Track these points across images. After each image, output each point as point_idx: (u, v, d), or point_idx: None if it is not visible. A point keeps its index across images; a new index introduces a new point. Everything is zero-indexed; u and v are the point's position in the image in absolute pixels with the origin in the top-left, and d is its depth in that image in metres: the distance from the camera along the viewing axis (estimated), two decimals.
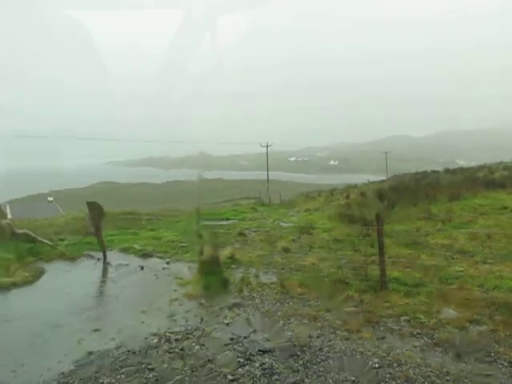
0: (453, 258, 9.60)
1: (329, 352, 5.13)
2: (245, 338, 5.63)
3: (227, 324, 6.11)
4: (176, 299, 7.21)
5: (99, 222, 10.31)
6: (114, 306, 7.04)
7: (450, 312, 6.08)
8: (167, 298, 7.28)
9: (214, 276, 8.12)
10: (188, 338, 5.65)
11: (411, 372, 4.59)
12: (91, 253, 10.64)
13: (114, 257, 10.33)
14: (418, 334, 5.53)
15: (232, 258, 9.69)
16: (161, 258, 10.37)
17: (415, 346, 5.20)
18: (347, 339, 5.47)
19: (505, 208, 16.03)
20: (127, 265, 9.64)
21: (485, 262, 9.04)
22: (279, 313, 6.44)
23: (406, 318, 6.03)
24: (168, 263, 9.84)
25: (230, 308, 6.74)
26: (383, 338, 5.49)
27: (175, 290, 7.72)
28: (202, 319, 6.33)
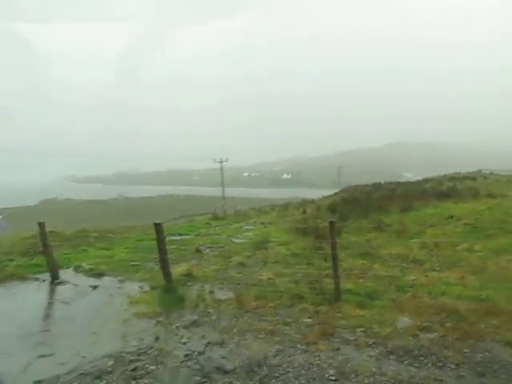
0: (407, 268, 9.88)
1: (288, 367, 5.12)
2: (201, 355, 5.55)
3: (184, 343, 6.00)
4: (130, 319, 7.00)
5: (47, 240, 9.99)
6: (65, 329, 6.74)
7: (405, 320, 6.22)
8: (121, 317, 7.07)
9: (169, 294, 8.00)
10: (142, 360, 5.50)
11: (366, 381, 4.65)
12: (40, 274, 10.24)
13: (65, 277, 9.96)
14: (373, 343, 5.61)
15: (188, 274, 9.59)
16: (113, 276, 10.09)
17: (370, 356, 5.28)
18: (305, 352, 5.49)
19: (451, 217, 16.87)
20: (78, 285, 9.31)
21: (433, 270, 9.39)
22: (235, 329, 6.39)
23: (360, 328, 6.12)
24: (121, 282, 9.59)
25: (185, 326, 6.64)
26: (338, 349, 5.54)
27: (128, 310, 7.51)
28: (157, 338, 6.20)
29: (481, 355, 5.13)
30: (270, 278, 9.12)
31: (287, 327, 6.33)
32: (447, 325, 5.98)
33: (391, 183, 38.47)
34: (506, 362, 4.96)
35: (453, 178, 41.63)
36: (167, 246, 8.73)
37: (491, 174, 53.66)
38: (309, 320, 6.57)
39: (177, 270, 9.66)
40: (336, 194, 38.93)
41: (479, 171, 58.54)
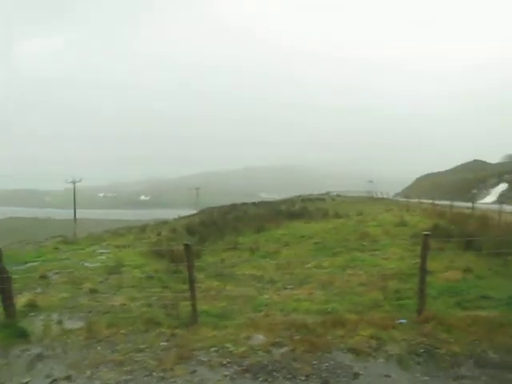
0: (261, 288, 10.28)
1: None
2: None
3: (25, 382, 5.44)
4: None
5: None
6: None
7: (258, 338, 6.42)
8: None
9: (10, 328, 7.22)
10: None
11: None
12: None
13: None
14: (228, 363, 5.68)
15: (33, 304, 8.81)
16: None
17: (225, 375, 5.34)
18: (161, 378, 5.36)
19: (303, 236, 18.02)
20: None
21: (285, 288, 9.90)
22: (86, 361, 5.99)
23: (216, 348, 6.16)
24: None
25: (29, 362, 6.04)
26: (195, 371, 5.51)
27: None
28: None
29: (327, 364, 5.52)
30: (123, 304, 8.80)
31: (142, 354, 6.11)
32: (297, 338, 6.31)
33: (245, 204, 39.80)
34: (348, 367, 5.42)
35: (305, 199, 44.74)
36: (10, 275, 7.91)
37: (338, 195, 59.09)
38: (165, 344, 6.44)
39: (21, 300, 8.83)
40: (193, 215, 39.06)
41: (328, 193, 63.94)
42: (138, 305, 8.65)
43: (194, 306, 7.33)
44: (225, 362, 5.70)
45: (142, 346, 6.39)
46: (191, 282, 7.42)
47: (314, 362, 5.56)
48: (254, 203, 40.71)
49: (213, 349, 6.15)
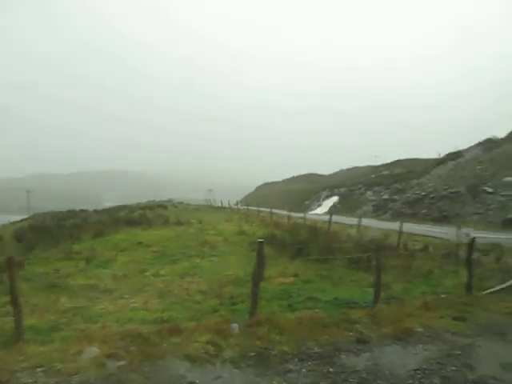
0: (96, 298, 9.83)
1: None
2: None
3: None
4: None
5: None
6: None
7: (92, 351, 6.07)
8: None
9: None
10: None
11: None
12: None
13: None
14: (56, 382, 5.26)
15: None
16: None
17: None
18: None
19: (140, 243, 17.82)
20: None
21: (122, 298, 9.63)
22: None
23: (42, 368, 5.65)
24: None
25: None
26: None
27: None
28: None
29: (161, 373, 5.47)
30: None
31: None
32: (132, 349, 6.13)
33: (85, 211, 37.95)
34: (182, 375, 5.40)
35: (145, 206, 44.10)
36: None
37: (181, 202, 59.33)
38: None
39: None
40: (23, 220, 35.85)
41: (170, 200, 63.77)
42: None
43: (17, 321, 6.66)
44: (52, 383, 5.26)
45: None
46: (14, 294, 6.74)
47: (149, 372, 5.47)
48: (95, 210, 38.87)
49: (39, 368, 5.65)
